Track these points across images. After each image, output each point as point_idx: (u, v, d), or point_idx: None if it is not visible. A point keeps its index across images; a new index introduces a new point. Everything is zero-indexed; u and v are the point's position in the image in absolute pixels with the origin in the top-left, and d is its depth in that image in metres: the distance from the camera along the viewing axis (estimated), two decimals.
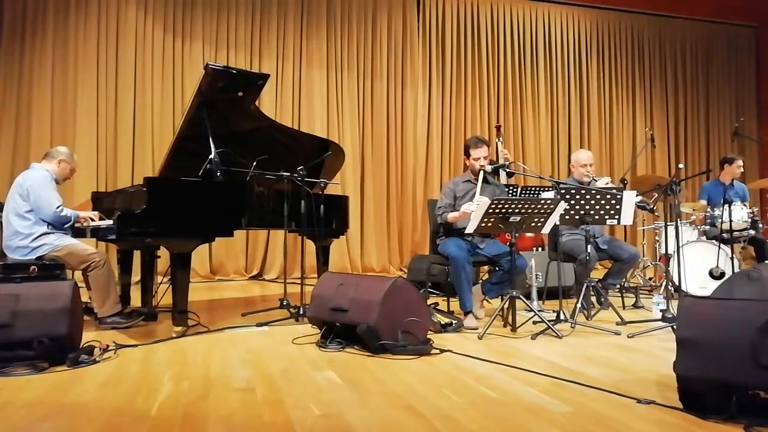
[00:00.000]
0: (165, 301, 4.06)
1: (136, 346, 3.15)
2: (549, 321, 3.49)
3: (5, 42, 6.21)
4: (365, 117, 7.44)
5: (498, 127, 6.56)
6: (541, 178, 6.46)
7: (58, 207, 3.63)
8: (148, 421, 2.01)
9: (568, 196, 3.69)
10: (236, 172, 3.77)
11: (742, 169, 5.50)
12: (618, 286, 4.63)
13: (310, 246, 4.58)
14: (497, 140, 6.54)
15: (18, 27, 6.24)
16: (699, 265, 4.86)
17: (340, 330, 3.10)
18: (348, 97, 7.34)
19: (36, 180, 3.63)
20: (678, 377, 2.04)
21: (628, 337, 3.40)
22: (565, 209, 3.69)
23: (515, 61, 8.07)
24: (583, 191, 3.73)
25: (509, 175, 5.12)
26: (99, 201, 4.42)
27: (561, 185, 3.87)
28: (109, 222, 3.64)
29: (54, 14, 6.34)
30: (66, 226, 3.72)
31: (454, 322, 3.66)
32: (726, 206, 4.70)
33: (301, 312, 3.85)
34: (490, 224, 3.47)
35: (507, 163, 5.61)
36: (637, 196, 4.05)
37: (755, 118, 9.12)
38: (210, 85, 3.66)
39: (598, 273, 4.54)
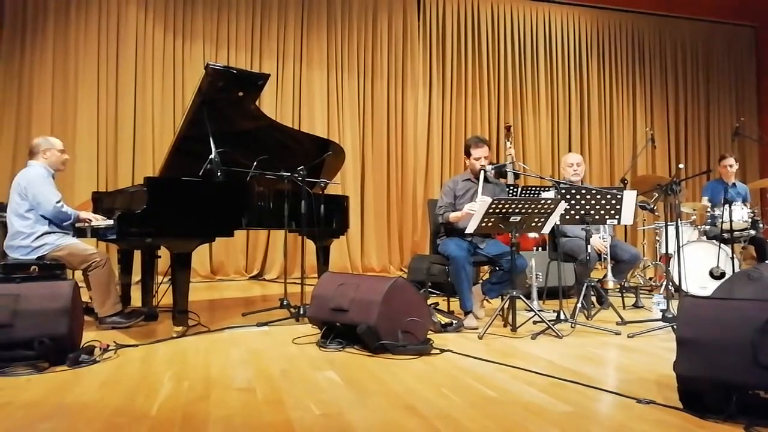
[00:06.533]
0: (165, 300, 4.06)
1: (136, 346, 3.15)
2: (549, 321, 3.49)
3: (5, 42, 6.20)
4: (365, 117, 7.43)
5: (508, 127, 6.55)
6: (541, 178, 6.46)
7: (58, 202, 3.61)
8: (148, 421, 2.01)
9: (568, 196, 3.70)
10: (237, 172, 3.77)
11: (731, 169, 5.45)
12: (618, 286, 4.63)
13: (311, 246, 4.58)
14: (507, 141, 6.54)
15: (18, 26, 6.24)
16: (699, 265, 4.86)
17: (340, 330, 3.10)
18: (348, 97, 7.34)
19: (33, 177, 3.61)
20: (678, 377, 2.04)
21: (629, 337, 3.40)
22: (566, 209, 3.69)
23: (515, 61, 8.07)
24: (583, 191, 3.73)
25: (516, 176, 5.12)
26: (99, 201, 4.43)
27: (561, 185, 3.87)
28: (110, 222, 3.64)
29: (54, 14, 6.33)
30: (66, 224, 3.69)
31: (454, 322, 3.66)
32: (726, 206, 4.70)
33: (302, 312, 3.85)
34: (490, 224, 3.47)
35: (507, 163, 5.62)
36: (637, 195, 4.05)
37: (755, 118, 9.11)
38: (210, 85, 3.66)
39: (598, 273, 4.54)
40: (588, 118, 8.37)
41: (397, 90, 7.55)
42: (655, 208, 5.04)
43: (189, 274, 3.53)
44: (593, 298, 4.31)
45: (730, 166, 5.43)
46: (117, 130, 6.47)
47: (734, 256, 4.76)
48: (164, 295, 4.11)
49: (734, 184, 5.46)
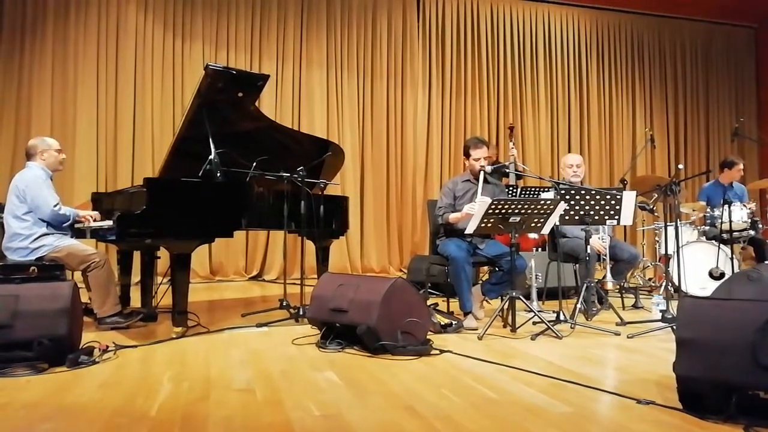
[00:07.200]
0: (165, 301, 4.05)
1: (135, 346, 3.15)
2: (549, 321, 3.49)
3: (5, 42, 6.20)
4: (365, 117, 7.43)
5: (511, 128, 6.55)
6: (540, 178, 6.46)
7: (56, 205, 3.61)
8: (147, 422, 2.01)
9: (567, 197, 3.70)
10: (236, 172, 3.77)
11: (742, 173, 5.49)
12: (618, 286, 4.63)
13: (310, 246, 4.57)
14: (510, 141, 6.56)
15: (18, 27, 6.24)
16: (699, 266, 4.86)
17: (339, 330, 3.10)
18: (348, 97, 7.34)
19: (31, 180, 3.60)
20: (678, 378, 2.04)
21: (628, 337, 3.40)
22: (565, 209, 3.69)
23: (515, 61, 8.07)
24: (582, 191, 3.73)
25: (518, 176, 5.10)
26: (99, 201, 4.42)
27: (561, 185, 3.87)
28: (109, 222, 3.63)
29: (54, 14, 6.34)
30: (65, 225, 3.69)
31: (453, 322, 3.66)
32: (726, 207, 4.70)
33: (301, 313, 3.85)
34: (489, 225, 3.47)
35: (507, 163, 5.61)
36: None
37: (755, 119, 9.11)
38: (210, 86, 3.66)
39: (597, 273, 4.54)
40: (587, 118, 8.37)
41: (396, 90, 7.56)
42: (654, 208, 5.05)
43: (188, 275, 3.53)
44: (593, 299, 4.30)
45: (740, 170, 5.46)
46: (116, 131, 6.47)
47: (733, 256, 4.76)
48: (164, 296, 4.10)
49: (731, 185, 5.47)
